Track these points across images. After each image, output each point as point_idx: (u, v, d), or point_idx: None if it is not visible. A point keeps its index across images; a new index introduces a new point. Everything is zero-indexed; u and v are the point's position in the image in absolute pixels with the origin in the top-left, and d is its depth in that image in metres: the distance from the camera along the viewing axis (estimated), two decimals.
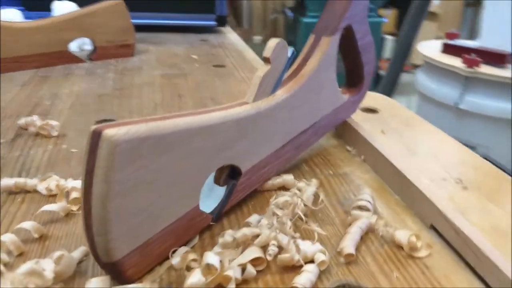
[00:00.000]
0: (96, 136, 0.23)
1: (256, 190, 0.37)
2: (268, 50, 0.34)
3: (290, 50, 0.36)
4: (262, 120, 0.34)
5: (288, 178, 0.38)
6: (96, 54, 0.75)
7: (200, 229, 0.31)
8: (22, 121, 0.47)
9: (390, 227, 0.33)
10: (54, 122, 0.46)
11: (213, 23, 1.00)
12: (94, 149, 0.23)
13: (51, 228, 0.32)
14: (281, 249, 0.28)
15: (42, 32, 0.67)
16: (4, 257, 0.28)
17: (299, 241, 0.29)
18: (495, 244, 0.30)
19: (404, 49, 1.51)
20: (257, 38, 3.85)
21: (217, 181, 0.34)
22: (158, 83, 0.65)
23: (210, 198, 0.33)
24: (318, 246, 0.29)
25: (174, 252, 0.28)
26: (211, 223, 0.32)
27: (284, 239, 0.28)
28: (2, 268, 0.26)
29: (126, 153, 0.24)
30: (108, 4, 0.72)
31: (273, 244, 0.28)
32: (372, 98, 0.63)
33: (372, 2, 2.69)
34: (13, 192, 0.36)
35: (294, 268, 0.28)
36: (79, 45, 0.80)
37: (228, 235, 0.28)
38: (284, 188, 0.38)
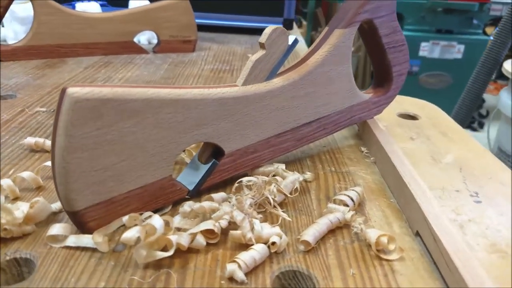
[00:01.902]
0: (62, 93, 0.26)
1: (246, 175, 0.37)
2: (263, 36, 0.34)
3: (291, 39, 0.36)
4: (250, 104, 0.34)
5: (280, 167, 0.37)
6: (160, 47, 0.81)
7: (172, 200, 0.32)
8: None
9: (367, 226, 0.31)
10: None
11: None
12: (60, 104, 0.26)
13: (49, 183, 0.35)
14: (237, 226, 0.28)
15: (111, 23, 0.74)
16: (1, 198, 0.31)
17: (256, 222, 0.28)
18: (489, 263, 0.27)
19: (489, 66, 1.37)
20: None
21: (199, 158, 0.35)
22: (205, 75, 0.68)
23: (193, 173, 0.34)
24: (276, 229, 0.29)
25: (141, 214, 0.30)
26: (187, 196, 0.33)
27: (238, 216, 0.28)
28: None
29: (86, 111, 0.26)
30: (174, 1, 0.78)
31: (225, 219, 0.28)
32: (416, 104, 0.59)
33: (478, 19, 2.51)
34: (33, 150, 0.40)
35: (248, 247, 0.28)
36: (148, 38, 0.87)
37: (187, 206, 0.29)
38: (275, 175, 0.37)
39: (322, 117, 0.40)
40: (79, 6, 0.82)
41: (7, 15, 0.78)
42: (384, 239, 0.29)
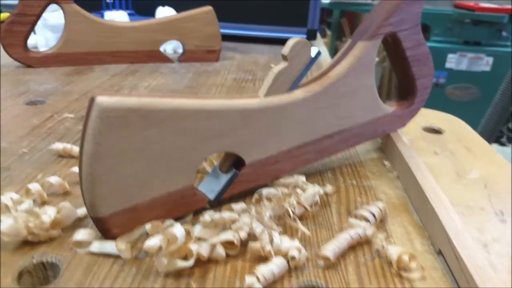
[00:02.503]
0: (91, 101, 0.27)
1: (267, 186, 0.37)
2: (286, 48, 0.34)
3: (314, 51, 0.36)
4: (271, 115, 0.34)
5: (300, 179, 0.37)
6: (184, 57, 0.82)
7: (193, 209, 0.33)
8: None
9: (388, 242, 0.31)
10: None
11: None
12: (89, 112, 0.27)
13: (75, 188, 0.36)
14: (256, 238, 0.29)
15: (138, 32, 0.76)
16: (29, 202, 0.32)
17: (275, 234, 0.28)
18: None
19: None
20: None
21: (221, 167, 0.35)
22: (228, 85, 0.69)
23: (214, 182, 0.35)
24: (295, 243, 0.29)
25: (163, 222, 0.30)
26: (207, 206, 0.34)
27: (257, 228, 0.28)
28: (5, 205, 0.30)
29: (113, 119, 0.27)
30: (199, 11, 0.79)
31: (244, 230, 0.28)
32: (441, 118, 0.58)
33: (507, 31, 2.46)
34: (61, 155, 0.42)
35: (267, 259, 0.28)
36: (174, 47, 0.88)
37: (208, 215, 0.29)
38: (296, 187, 0.37)
39: (344, 130, 0.40)
40: (108, 15, 0.85)
41: (39, 22, 0.81)
42: (406, 257, 0.28)
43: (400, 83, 0.46)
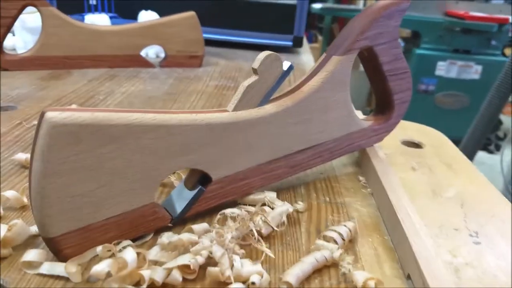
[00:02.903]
0: (41, 117, 0.25)
1: (235, 202, 0.36)
2: (256, 62, 0.33)
3: (286, 65, 0.35)
4: (240, 130, 0.33)
5: (270, 195, 0.36)
6: (166, 62, 0.80)
7: (154, 228, 0.31)
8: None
9: (356, 266, 0.30)
10: None
11: (289, 43, 1.01)
12: (38, 128, 0.25)
13: None
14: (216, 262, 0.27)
15: (118, 36, 0.74)
16: None
17: (236, 258, 0.27)
18: None
19: (505, 89, 1.34)
20: None
21: (186, 183, 0.34)
22: (209, 92, 0.68)
23: (178, 199, 0.33)
24: (257, 267, 0.27)
25: (118, 243, 0.29)
26: (170, 224, 0.32)
27: (218, 251, 0.27)
28: None
29: (63, 136, 0.25)
30: (182, 16, 0.78)
31: (203, 254, 0.27)
32: (421, 131, 0.57)
33: (497, 40, 2.48)
34: (24, 166, 0.40)
35: (227, 285, 0.27)
36: (156, 52, 0.87)
37: (165, 237, 0.28)
38: (264, 205, 0.36)
39: (318, 145, 0.39)
40: (88, 18, 0.83)
41: (17, 24, 0.79)
42: (372, 283, 0.27)
43: (377, 98, 0.45)
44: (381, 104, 0.45)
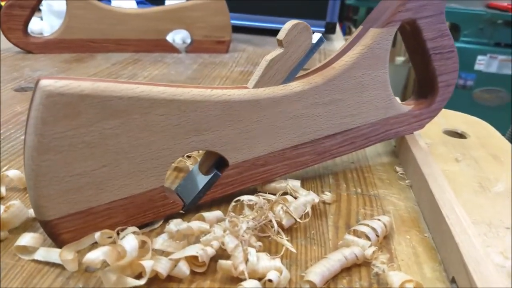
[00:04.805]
0: (36, 85, 0.22)
1: (255, 190, 0.33)
2: (281, 32, 0.29)
3: (316, 37, 0.31)
4: (261, 110, 0.30)
5: (294, 184, 0.32)
6: (192, 47, 0.78)
7: (164, 215, 0.28)
8: None
9: (391, 266, 0.26)
10: None
11: (321, 29, 0.96)
12: (32, 98, 0.23)
13: None
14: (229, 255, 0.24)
15: (143, 20, 0.72)
16: None
17: (252, 251, 0.24)
18: None
19: None
20: (399, 59, 3.61)
21: (200, 167, 0.30)
22: (233, 77, 0.65)
23: (192, 184, 0.30)
24: (276, 262, 0.24)
25: (122, 230, 0.26)
26: (182, 211, 0.29)
27: (230, 243, 0.23)
28: None
29: (60, 107, 0.22)
30: (208, 1, 0.74)
31: (212, 246, 0.23)
32: (466, 121, 0.52)
33: None
34: None
35: (240, 281, 0.23)
36: (183, 37, 0.84)
37: (173, 225, 0.25)
38: (286, 194, 0.32)
39: (350, 130, 0.35)
40: (115, 3, 0.81)
41: (44, 8, 0.78)
42: (410, 286, 0.23)
43: (419, 79, 0.40)
44: (424, 86, 0.40)
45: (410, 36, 0.37)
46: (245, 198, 0.27)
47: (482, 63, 2.55)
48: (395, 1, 0.34)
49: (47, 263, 0.24)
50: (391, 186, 0.36)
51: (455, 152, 0.43)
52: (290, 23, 0.29)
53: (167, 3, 0.85)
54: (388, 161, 0.41)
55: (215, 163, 0.30)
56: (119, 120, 0.24)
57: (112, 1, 0.82)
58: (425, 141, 0.41)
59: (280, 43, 0.30)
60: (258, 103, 0.29)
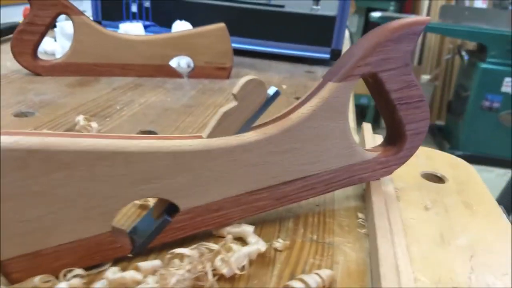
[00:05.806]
0: None
1: (211, 234, 0.34)
2: (236, 87, 0.31)
3: (272, 90, 0.33)
4: (213, 159, 0.31)
5: (247, 229, 0.33)
6: (193, 73, 0.80)
7: (112, 257, 0.30)
8: (77, 118, 0.53)
9: None
10: (94, 125, 0.50)
11: (327, 56, 0.97)
12: None
13: None
14: None
15: (148, 46, 0.75)
16: None
17: None
18: None
19: None
20: (425, 78, 3.56)
21: (153, 212, 0.32)
22: None
23: (144, 227, 0.32)
24: None
25: (69, 271, 0.28)
26: (130, 255, 0.31)
27: None
28: None
29: (11, 161, 0.24)
30: (211, 28, 0.77)
31: None
32: (449, 163, 0.52)
33: None
34: None
35: None
36: (188, 62, 0.87)
37: (110, 273, 0.26)
38: (241, 239, 0.34)
39: (310, 176, 0.36)
40: (123, 27, 0.85)
41: (57, 30, 0.82)
42: None
43: (386, 126, 0.41)
44: (392, 134, 0.41)
45: (373, 87, 0.38)
46: (179, 251, 0.28)
47: (509, 85, 2.49)
48: (355, 56, 0.35)
49: None
50: (348, 234, 0.37)
51: (427, 199, 0.43)
52: (245, 78, 0.31)
53: (174, 27, 0.89)
54: (355, 205, 0.41)
55: (167, 208, 0.32)
56: (65, 172, 0.26)
57: (120, 25, 0.86)
58: (396, 185, 0.41)
59: (234, 97, 0.31)
60: (210, 153, 0.31)
